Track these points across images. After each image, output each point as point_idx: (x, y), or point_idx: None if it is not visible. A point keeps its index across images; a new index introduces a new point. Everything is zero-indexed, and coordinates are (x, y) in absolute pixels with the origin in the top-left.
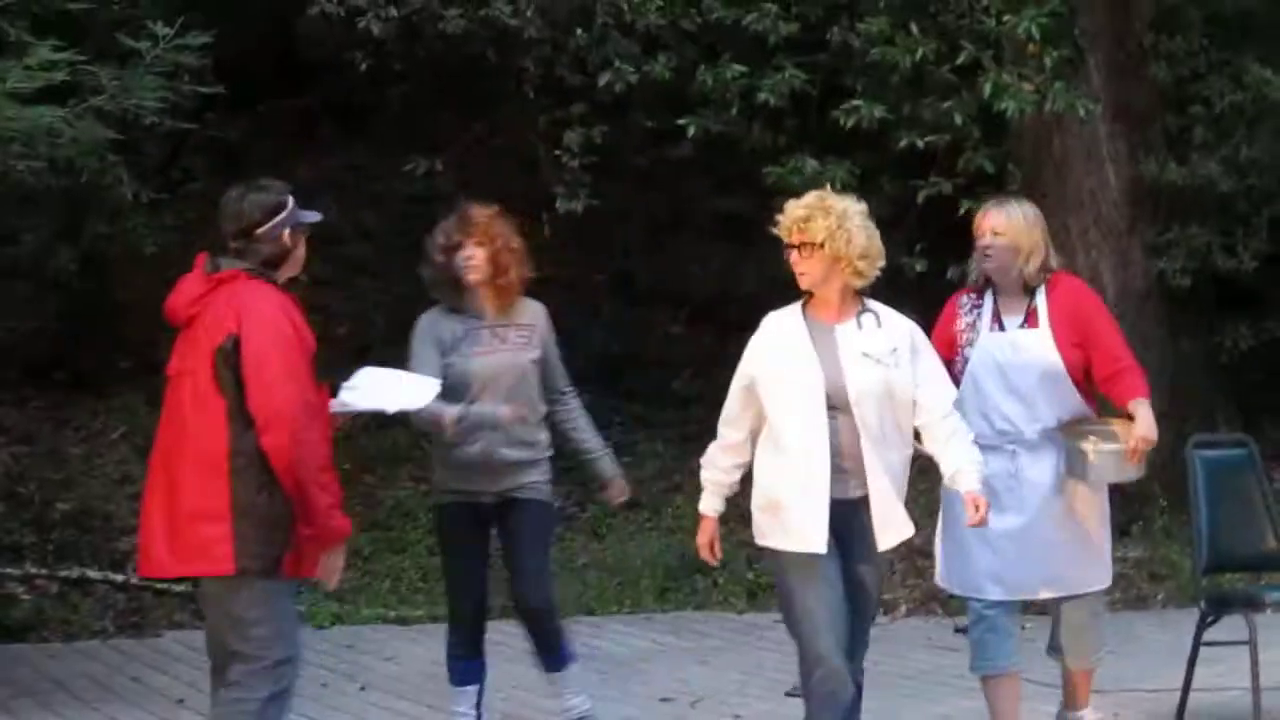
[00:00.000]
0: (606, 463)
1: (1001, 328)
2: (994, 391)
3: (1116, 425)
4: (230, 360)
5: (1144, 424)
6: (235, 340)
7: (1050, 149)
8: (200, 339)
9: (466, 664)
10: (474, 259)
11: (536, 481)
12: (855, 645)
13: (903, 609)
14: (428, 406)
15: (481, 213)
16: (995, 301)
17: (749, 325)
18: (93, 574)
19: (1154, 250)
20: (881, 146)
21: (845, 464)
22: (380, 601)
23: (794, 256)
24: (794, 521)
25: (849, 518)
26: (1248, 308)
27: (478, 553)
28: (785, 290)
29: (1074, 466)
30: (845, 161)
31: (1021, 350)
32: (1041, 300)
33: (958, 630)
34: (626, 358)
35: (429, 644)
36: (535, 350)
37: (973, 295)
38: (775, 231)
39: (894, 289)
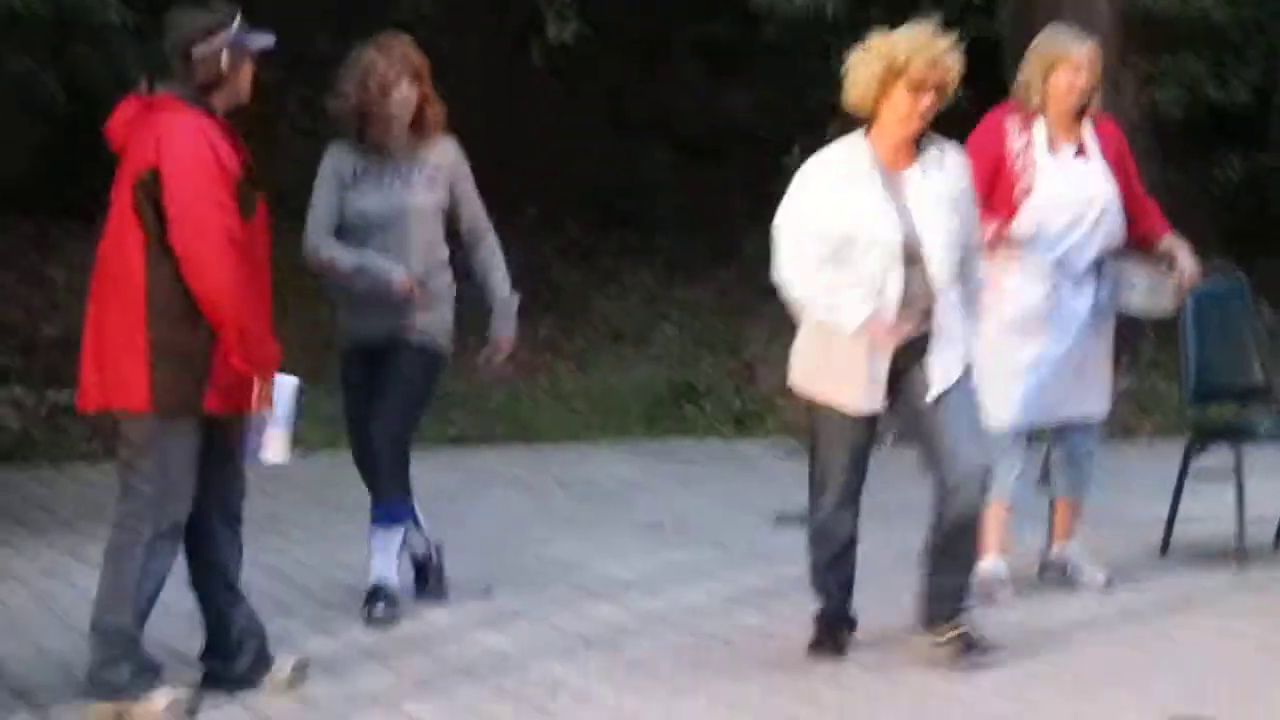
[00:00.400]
0: (504, 320)
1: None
2: (1059, 222)
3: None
4: (150, 193)
5: (1189, 258)
6: (155, 173)
7: None
8: (126, 168)
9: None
10: (409, 97)
11: (428, 325)
12: (961, 444)
13: (890, 438)
14: (320, 253)
15: (408, 46)
16: (1047, 129)
17: (737, 154)
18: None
19: (1146, 79)
20: None
21: (911, 312)
22: None
23: (925, 100)
24: (850, 378)
25: (907, 358)
26: (1240, 139)
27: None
28: (774, 120)
29: (1121, 294)
30: None
31: (1089, 182)
32: (1089, 133)
33: None
34: (614, 187)
35: (414, 470)
36: (441, 192)
37: (1018, 117)
38: (894, 65)
39: None
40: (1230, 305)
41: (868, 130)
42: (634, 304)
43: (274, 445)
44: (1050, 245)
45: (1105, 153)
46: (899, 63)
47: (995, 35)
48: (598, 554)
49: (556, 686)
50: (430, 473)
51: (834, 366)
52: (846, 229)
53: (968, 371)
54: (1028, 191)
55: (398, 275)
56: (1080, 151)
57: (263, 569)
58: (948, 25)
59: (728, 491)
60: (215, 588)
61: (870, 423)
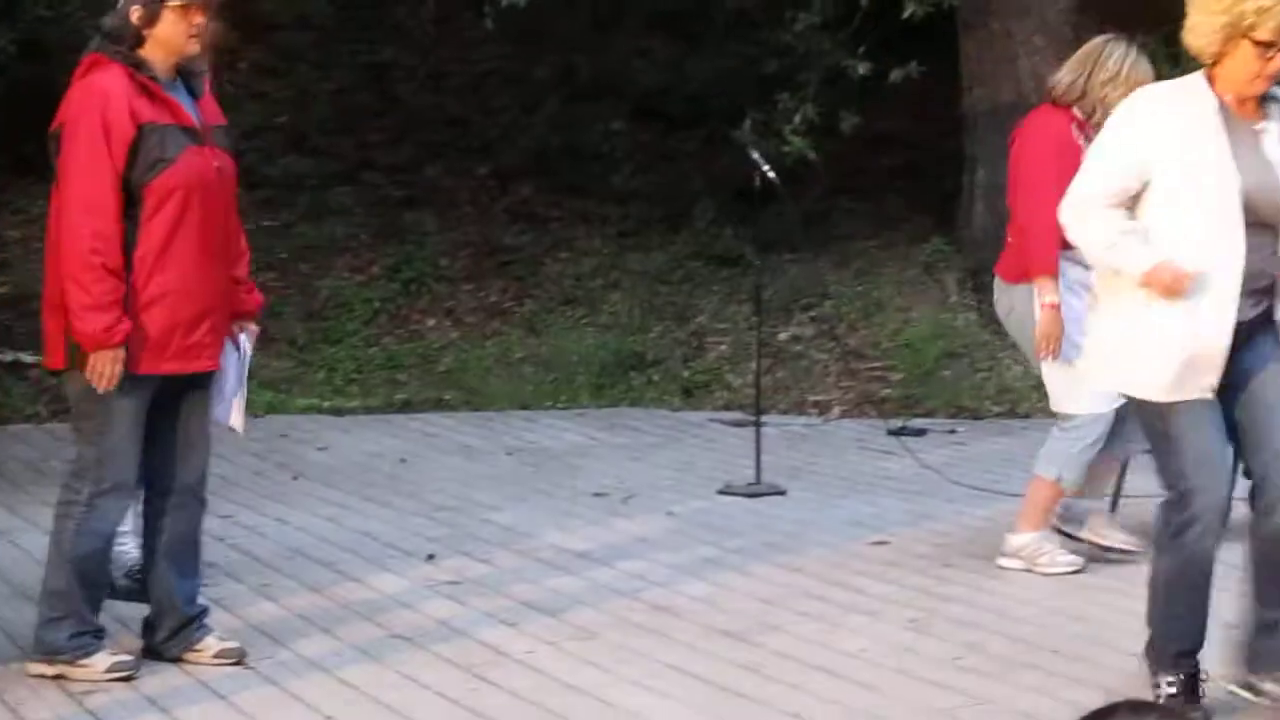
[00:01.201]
0: None
1: None
2: None
3: None
4: (57, 150)
5: None
6: (61, 129)
7: None
8: None
9: None
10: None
11: None
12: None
13: (836, 410)
14: None
15: None
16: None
17: (692, 122)
18: (26, 358)
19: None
20: None
21: (1251, 286)
22: (315, 392)
23: (1275, 62)
24: (1184, 366)
25: (1245, 336)
26: None
27: None
28: (730, 88)
29: None
30: None
31: None
32: None
33: (890, 433)
34: (567, 152)
35: (361, 434)
36: None
37: (1067, 119)
38: (1238, 23)
39: (836, 89)
40: None
41: (1210, 70)
42: (585, 270)
43: (235, 411)
44: None
45: None
46: (1245, 22)
47: (947, 5)
48: (544, 521)
49: (498, 654)
50: (378, 437)
51: (1158, 356)
52: (1186, 174)
53: None
54: None
55: None
56: None
57: (207, 534)
58: None
59: (675, 461)
60: (145, 558)
61: (1212, 409)
